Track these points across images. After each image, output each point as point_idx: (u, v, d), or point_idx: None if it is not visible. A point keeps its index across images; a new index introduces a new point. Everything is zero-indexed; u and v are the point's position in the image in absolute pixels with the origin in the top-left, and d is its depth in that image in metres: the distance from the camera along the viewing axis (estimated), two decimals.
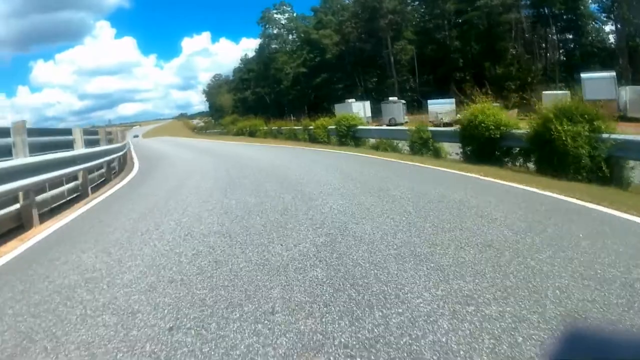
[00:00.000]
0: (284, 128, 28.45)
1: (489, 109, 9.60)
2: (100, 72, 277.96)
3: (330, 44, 55.07)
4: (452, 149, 11.10)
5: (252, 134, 33.99)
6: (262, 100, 61.95)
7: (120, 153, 13.22)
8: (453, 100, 38.11)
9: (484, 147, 9.40)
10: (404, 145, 12.87)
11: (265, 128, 32.87)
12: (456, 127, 11.01)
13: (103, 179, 10.36)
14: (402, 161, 9.77)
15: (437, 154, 11.07)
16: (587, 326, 2.10)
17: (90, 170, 8.70)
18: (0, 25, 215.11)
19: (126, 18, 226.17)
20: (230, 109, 69.45)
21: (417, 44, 52.99)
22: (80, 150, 8.27)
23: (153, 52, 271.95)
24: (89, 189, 8.31)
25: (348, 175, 7.61)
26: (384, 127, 25.67)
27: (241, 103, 69.53)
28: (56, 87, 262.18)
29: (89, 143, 9.54)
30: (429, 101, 37.71)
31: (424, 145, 11.45)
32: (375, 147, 14.19)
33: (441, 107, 36.82)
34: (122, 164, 14.00)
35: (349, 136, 16.59)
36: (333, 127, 18.07)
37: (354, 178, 7.20)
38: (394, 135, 14.17)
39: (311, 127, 21.21)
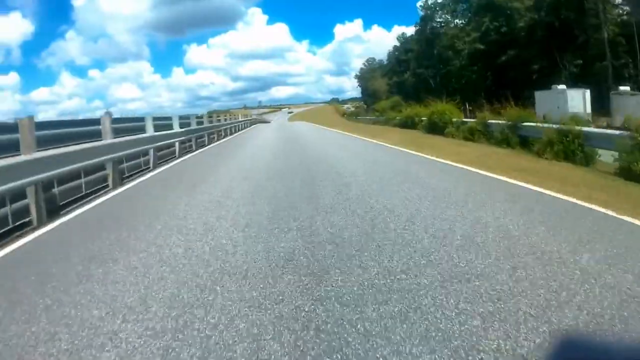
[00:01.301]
0: (535, 125, 12.64)
1: None
2: (253, 56, 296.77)
3: (522, 8, 42.50)
4: None
5: (433, 128, 20.52)
6: (425, 83, 53.13)
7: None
8: None
9: None
10: None
11: (469, 122, 17.67)
12: None
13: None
14: None
15: None
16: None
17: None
18: (157, 11, 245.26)
19: (278, 5, 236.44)
20: (384, 94, 62.98)
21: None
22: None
23: (305, 37, 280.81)
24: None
25: None
26: None
27: (397, 87, 62.17)
28: (209, 69, 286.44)
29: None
30: None
31: None
32: None
33: None
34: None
35: None
36: None
37: None
38: None
39: None
